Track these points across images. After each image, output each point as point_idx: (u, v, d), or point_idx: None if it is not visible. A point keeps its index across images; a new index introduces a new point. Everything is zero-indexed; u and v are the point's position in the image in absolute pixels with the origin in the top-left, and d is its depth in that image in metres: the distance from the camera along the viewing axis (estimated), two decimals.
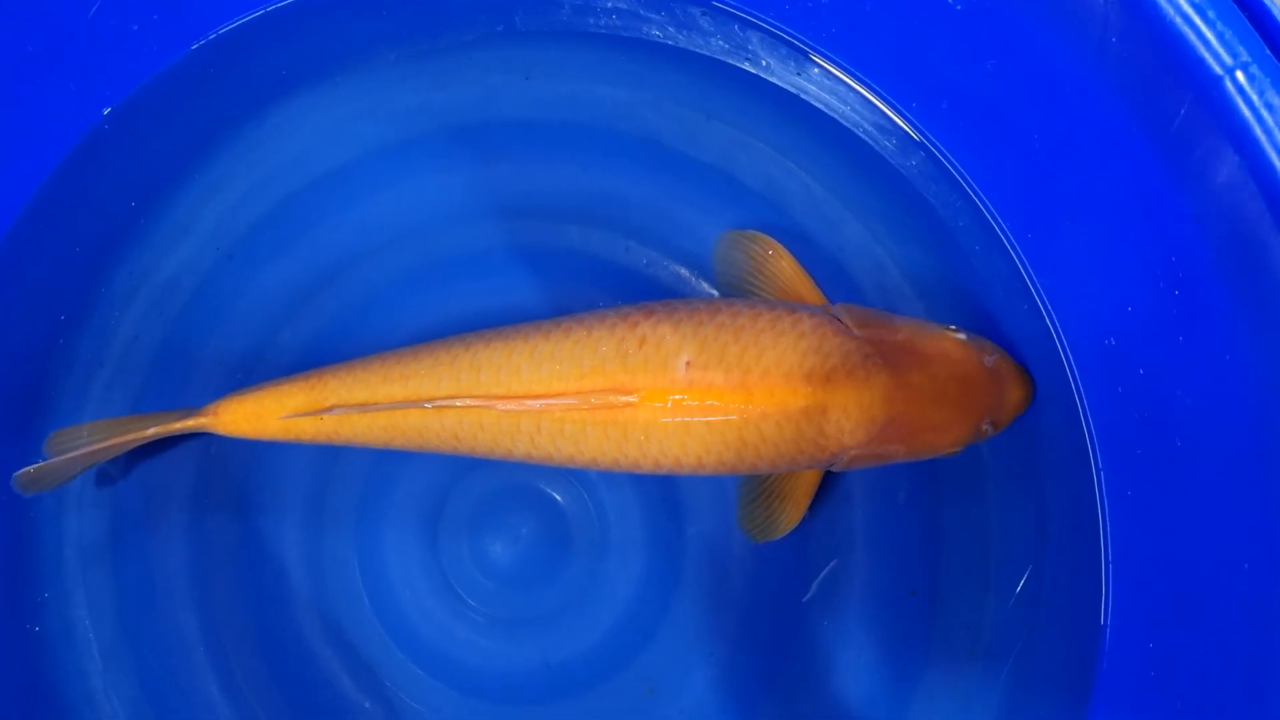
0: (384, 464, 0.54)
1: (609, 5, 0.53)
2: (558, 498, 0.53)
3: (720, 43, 0.52)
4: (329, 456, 0.53)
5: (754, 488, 0.52)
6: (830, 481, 0.52)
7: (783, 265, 0.51)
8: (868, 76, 0.51)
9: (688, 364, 0.46)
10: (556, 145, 0.54)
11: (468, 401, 0.46)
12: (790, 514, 0.51)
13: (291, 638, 0.54)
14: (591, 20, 0.54)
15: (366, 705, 0.53)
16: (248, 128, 0.54)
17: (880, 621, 0.52)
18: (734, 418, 0.45)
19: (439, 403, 0.46)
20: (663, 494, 0.53)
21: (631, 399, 0.45)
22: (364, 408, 0.47)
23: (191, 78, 0.52)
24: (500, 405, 0.46)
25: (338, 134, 0.54)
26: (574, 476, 0.53)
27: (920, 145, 0.51)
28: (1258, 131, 0.37)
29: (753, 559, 0.53)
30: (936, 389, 0.47)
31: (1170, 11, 0.39)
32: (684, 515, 0.53)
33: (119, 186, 0.53)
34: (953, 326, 0.49)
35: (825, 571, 0.52)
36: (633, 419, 0.46)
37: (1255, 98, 0.37)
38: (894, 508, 0.52)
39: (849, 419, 0.46)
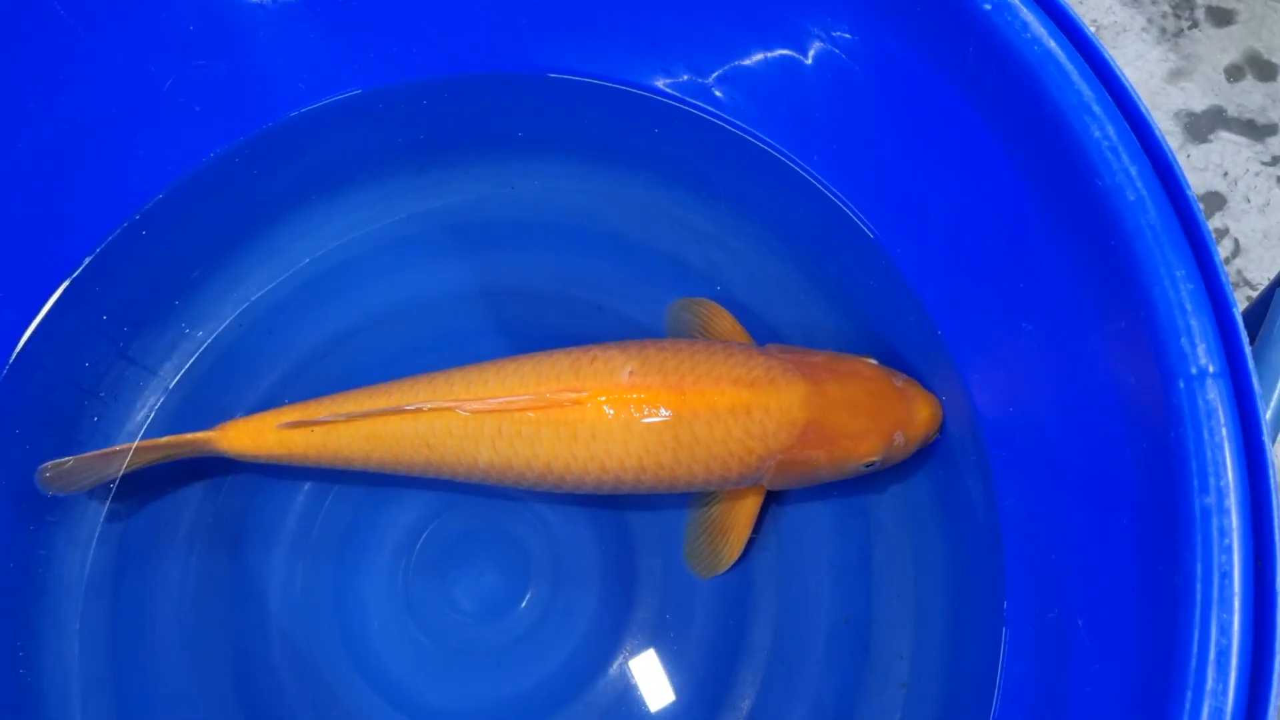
0: (368, 504, 0.59)
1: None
2: (519, 535, 0.58)
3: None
4: (319, 497, 0.59)
5: (697, 524, 0.57)
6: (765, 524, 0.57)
7: (724, 323, 0.59)
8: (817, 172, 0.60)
9: (630, 373, 0.53)
10: (535, 239, 0.63)
11: (438, 403, 0.53)
12: (732, 546, 0.56)
13: (263, 667, 0.57)
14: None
15: None
16: (275, 225, 0.64)
17: (818, 650, 0.55)
18: (669, 417, 0.52)
19: (414, 406, 0.53)
20: (616, 530, 0.58)
21: (581, 394, 0.52)
22: (350, 415, 0.54)
23: (232, 178, 0.63)
24: (466, 406, 0.53)
25: (351, 232, 0.64)
26: (534, 516, 0.59)
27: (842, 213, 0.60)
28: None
29: (703, 594, 0.57)
30: (850, 399, 0.53)
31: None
32: (636, 550, 0.58)
33: (161, 268, 0.63)
34: (867, 356, 0.56)
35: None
36: (581, 418, 0.52)
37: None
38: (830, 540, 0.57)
39: (771, 419, 0.52)
